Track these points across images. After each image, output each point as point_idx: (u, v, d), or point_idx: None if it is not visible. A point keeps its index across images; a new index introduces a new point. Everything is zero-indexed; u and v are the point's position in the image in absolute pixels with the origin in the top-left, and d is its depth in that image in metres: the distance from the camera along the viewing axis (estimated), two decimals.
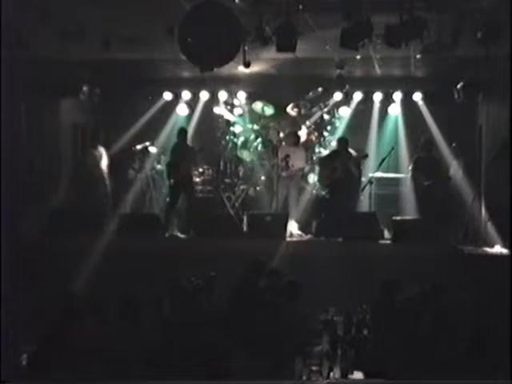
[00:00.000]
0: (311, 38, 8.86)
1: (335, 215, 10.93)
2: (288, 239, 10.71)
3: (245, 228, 11.04)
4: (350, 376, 5.77)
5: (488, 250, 10.21)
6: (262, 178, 12.42)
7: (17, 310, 7.30)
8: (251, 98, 12.95)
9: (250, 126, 13.05)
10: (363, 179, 11.51)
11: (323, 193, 11.78)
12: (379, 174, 11.66)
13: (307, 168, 12.31)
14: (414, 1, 7.90)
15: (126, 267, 9.45)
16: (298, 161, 11.62)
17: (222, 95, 12.96)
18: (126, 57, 10.37)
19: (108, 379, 5.11)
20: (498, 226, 10.29)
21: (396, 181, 12.24)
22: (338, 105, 12.86)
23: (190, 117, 13.17)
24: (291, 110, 12.75)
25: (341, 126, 12.88)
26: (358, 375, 5.79)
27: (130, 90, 12.61)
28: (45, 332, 5.89)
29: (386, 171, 11.98)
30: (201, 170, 12.47)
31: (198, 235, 10.91)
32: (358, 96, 12.73)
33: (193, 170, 12.03)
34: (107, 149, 12.24)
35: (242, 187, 12.39)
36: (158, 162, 12.65)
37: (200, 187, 12.45)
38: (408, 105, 12.61)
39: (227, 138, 12.90)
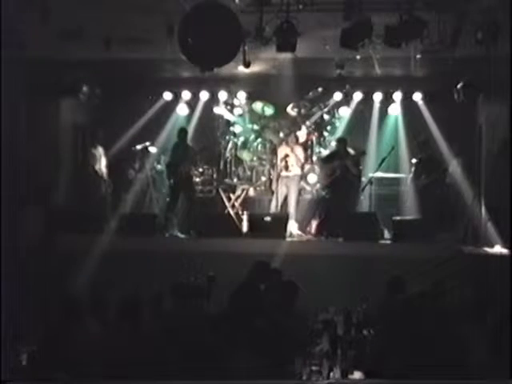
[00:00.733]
0: (311, 38, 8.87)
1: (335, 215, 10.93)
2: (288, 239, 10.71)
3: (245, 228, 11.04)
4: (350, 376, 5.77)
5: (488, 249, 10.21)
6: (262, 178, 12.42)
7: (17, 310, 7.31)
8: (251, 98, 12.94)
9: (249, 126, 13.04)
10: (363, 179, 11.50)
11: (323, 193, 11.78)
12: (379, 174, 11.66)
13: (307, 168, 12.32)
14: (413, 1, 7.91)
15: (126, 267, 9.46)
16: (297, 161, 11.60)
17: (222, 95, 12.95)
18: (126, 57, 10.38)
19: (108, 379, 5.11)
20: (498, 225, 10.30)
21: (396, 181, 12.23)
22: (338, 105, 12.85)
23: (190, 117, 13.15)
24: (291, 110, 12.74)
25: (341, 126, 12.86)
26: (357, 375, 5.79)
27: (129, 90, 12.61)
28: (45, 332, 5.89)
29: (386, 171, 11.97)
30: (201, 169, 12.47)
31: (198, 235, 10.91)
32: (358, 96, 12.73)
33: (193, 170, 12.03)
34: (106, 149, 12.23)
35: (241, 187, 12.39)
36: (158, 162, 12.65)
37: (200, 187, 12.45)
38: (408, 105, 12.60)
39: (227, 137, 12.88)
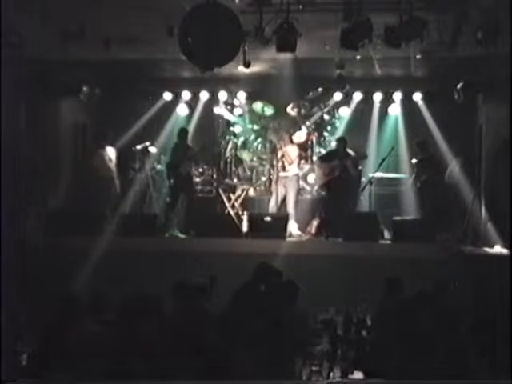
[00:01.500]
0: (311, 37, 8.86)
1: (335, 215, 10.93)
2: (288, 239, 10.71)
3: (245, 228, 11.04)
4: (350, 376, 5.77)
5: (488, 249, 10.21)
6: (262, 178, 12.42)
7: (17, 310, 7.30)
8: (251, 98, 12.95)
9: (250, 126, 13.05)
10: (363, 179, 11.50)
11: (323, 193, 11.78)
12: (379, 174, 11.66)
13: (307, 168, 12.32)
14: (413, 1, 7.91)
15: (126, 267, 9.46)
16: (294, 161, 11.56)
17: (222, 95, 12.95)
18: (126, 57, 10.38)
19: (108, 379, 5.11)
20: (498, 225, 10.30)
21: (396, 181, 12.23)
22: (337, 105, 12.86)
23: (190, 117, 13.16)
24: (291, 110, 12.74)
25: (341, 126, 12.87)
26: (357, 375, 5.79)
27: (130, 90, 12.61)
28: (45, 332, 5.89)
29: (386, 171, 11.97)
30: (201, 170, 12.48)
31: (198, 235, 10.91)
32: (357, 96, 12.73)
33: (193, 170, 12.03)
34: (113, 149, 12.21)
35: (242, 187, 12.39)
36: (158, 162, 12.65)
37: (200, 187, 12.45)
38: (408, 105, 12.60)
39: (227, 137, 12.89)
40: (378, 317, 6.69)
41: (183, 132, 11.88)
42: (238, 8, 7.99)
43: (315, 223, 11.25)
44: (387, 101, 12.71)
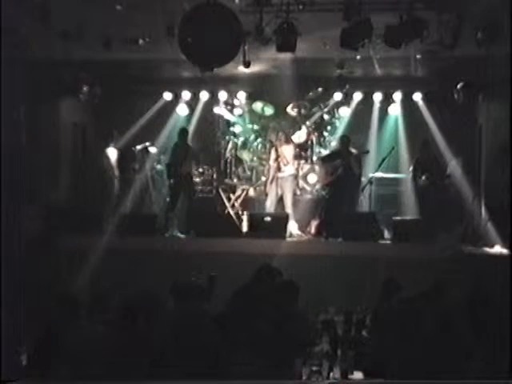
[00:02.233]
0: (311, 38, 8.87)
1: (335, 215, 10.92)
2: (288, 239, 10.71)
3: (245, 228, 11.04)
4: (350, 376, 5.77)
5: (488, 249, 10.21)
6: (262, 178, 12.42)
7: (17, 310, 7.31)
8: (251, 98, 12.95)
9: (249, 126, 13.05)
10: (363, 179, 11.50)
11: (323, 193, 11.78)
12: (379, 174, 11.65)
13: (307, 168, 12.32)
14: (413, 1, 7.91)
15: (126, 267, 9.46)
16: (289, 162, 11.54)
17: (222, 95, 12.95)
18: (126, 57, 10.38)
19: (108, 379, 5.11)
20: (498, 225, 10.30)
21: (396, 181, 12.23)
22: (337, 105, 12.85)
23: (190, 117, 13.16)
24: (291, 110, 12.74)
25: (341, 126, 12.86)
26: (357, 375, 5.79)
27: (130, 90, 12.61)
28: (45, 332, 5.89)
29: (386, 171, 11.97)
30: (201, 170, 12.47)
31: (198, 235, 10.91)
32: (358, 96, 12.73)
33: (193, 169, 12.03)
34: (115, 148, 12.22)
35: (242, 187, 12.39)
36: (158, 162, 12.65)
37: (200, 187, 12.45)
38: (408, 105, 12.60)
39: (227, 138, 12.89)
40: (377, 317, 6.68)
41: (183, 132, 11.88)
42: (238, 8, 8.00)
43: (315, 223, 11.25)
44: (387, 101, 12.71)
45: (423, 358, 5.26)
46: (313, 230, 11.22)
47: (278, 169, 11.43)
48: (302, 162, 12.28)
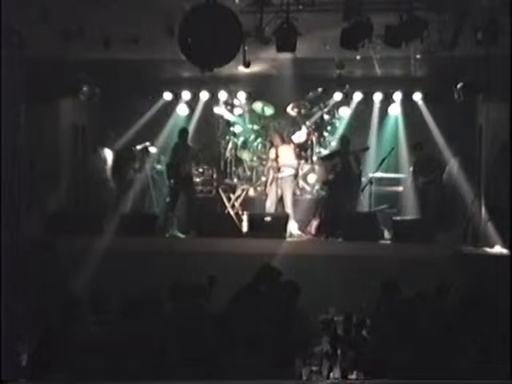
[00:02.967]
0: (311, 37, 8.87)
1: (335, 215, 10.92)
2: (288, 239, 10.71)
3: (245, 228, 11.04)
4: (349, 376, 5.77)
5: (488, 249, 10.21)
6: (262, 178, 12.42)
7: (17, 311, 7.30)
8: (251, 98, 12.95)
9: (249, 126, 13.05)
10: (363, 179, 11.50)
11: (323, 192, 11.78)
12: (379, 174, 11.65)
13: (307, 168, 12.32)
14: (413, 1, 7.91)
15: (126, 267, 9.46)
16: (287, 162, 11.52)
17: (222, 95, 12.95)
18: (126, 57, 10.38)
19: (108, 379, 5.11)
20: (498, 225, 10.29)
21: (396, 181, 12.24)
22: (338, 105, 12.86)
23: (190, 117, 13.16)
24: (291, 110, 12.74)
25: (341, 126, 12.86)
26: (357, 375, 5.79)
27: (130, 89, 12.60)
28: (45, 332, 5.89)
29: (386, 171, 11.97)
30: (201, 170, 12.48)
31: (198, 235, 10.91)
32: (358, 96, 12.74)
33: (193, 169, 12.03)
34: (112, 149, 12.22)
35: (241, 187, 12.39)
36: (158, 162, 12.65)
37: (200, 187, 12.45)
38: (408, 105, 12.60)
39: (227, 137, 12.88)
40: (377, 317, 6.68)
41: (183, 132, 11.88)
42: (238, 8, 8.00)
43: (315, 223, 11.25)
44: (387, 101, 12.71)
45: (423, 358, 5.26)
46: (313, 230, 11.22)
47: (278, 169, 11.43)
48: (302, 162, 12.28)
